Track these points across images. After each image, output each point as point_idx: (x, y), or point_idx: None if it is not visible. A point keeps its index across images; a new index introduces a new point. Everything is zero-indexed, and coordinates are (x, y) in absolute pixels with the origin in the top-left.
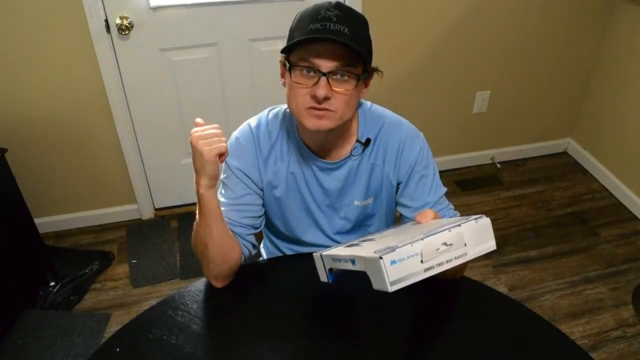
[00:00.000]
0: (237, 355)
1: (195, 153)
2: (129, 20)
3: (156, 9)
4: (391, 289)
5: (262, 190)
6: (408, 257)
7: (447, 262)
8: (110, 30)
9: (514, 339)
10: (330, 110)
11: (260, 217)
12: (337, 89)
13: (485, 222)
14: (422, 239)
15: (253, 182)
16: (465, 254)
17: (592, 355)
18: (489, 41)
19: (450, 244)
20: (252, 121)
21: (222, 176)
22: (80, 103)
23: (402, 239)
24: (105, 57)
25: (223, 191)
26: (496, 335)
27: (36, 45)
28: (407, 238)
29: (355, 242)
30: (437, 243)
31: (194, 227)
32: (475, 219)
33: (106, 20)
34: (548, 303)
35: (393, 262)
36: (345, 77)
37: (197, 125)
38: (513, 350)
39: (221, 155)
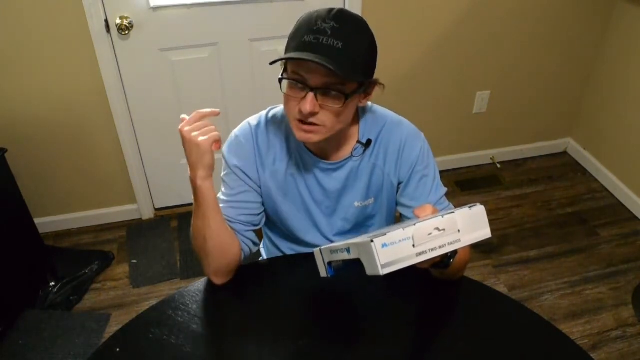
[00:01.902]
0: (237, 355)
1: (191, 146)
2: (129, 20)
3: (156, 9)
4: (382, 271)
5: (260, 187)
6: (400, 240)
7: (440, 247)
8: (110, 30)
9: (514, 339)
10: (318, 125)
11: (259, 214)
12: (324, 105)
13: (479, 209)
14: (415, 224)
15: (251, 179)
16: (459, 240)
17: (592, 355)
18: (489, 41)
19: (443, 229)
20: (252, 120)
21: (222, 174)
22: (81, 103)
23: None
24: (105, 57)
25: (223, 189)
26: (496, 335)
27: (36, 45)
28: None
29: (354, 237)
30: (429, 228)
31: (192, 221)
32: (469, 206)
33: (106, 20)
34: (548, 303)
35: (384, 246)
36: (334, 94)
37: (182, 120)
38: (513, 350)
39: (216, 143)
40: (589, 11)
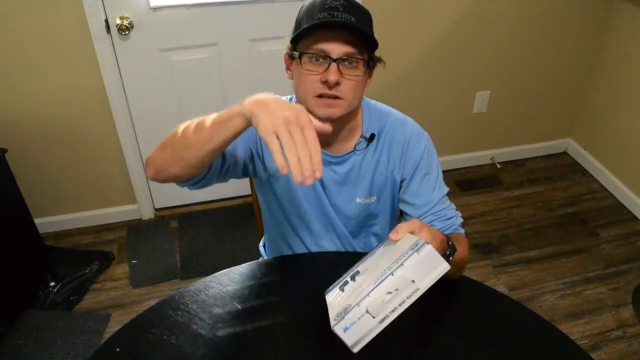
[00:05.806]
0: (237, 356)
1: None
2: (129, 20)
3: (156, 9)
4: (355, 350)
5: (253, 163)
6: (358, 318)
7: (400, 305)
8: (110, 30)
9: (514, 339)
10: (340, 98)
11: (216, 166)
12: (346, 75)
13: (427, 250)
14: (368, 294)
15: (251, 153)
16: (417, 289)
17: (592, 355)
18: (489, 41)
19: (396, 290)
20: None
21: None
22: (81, 103)
23: (364, 286)
24: (105, 57)
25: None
26: (496, 335)
27: (36, 45)
28: (364, 286)
29: (353, 270)
30: (382, 295)
31: (188, 123)
32: (416, 249)
33: (106, 20)
34: (548, 303)
35: (346, 329)
36: (354, 63)
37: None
38: (513, 350)
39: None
40: (588, 11)
